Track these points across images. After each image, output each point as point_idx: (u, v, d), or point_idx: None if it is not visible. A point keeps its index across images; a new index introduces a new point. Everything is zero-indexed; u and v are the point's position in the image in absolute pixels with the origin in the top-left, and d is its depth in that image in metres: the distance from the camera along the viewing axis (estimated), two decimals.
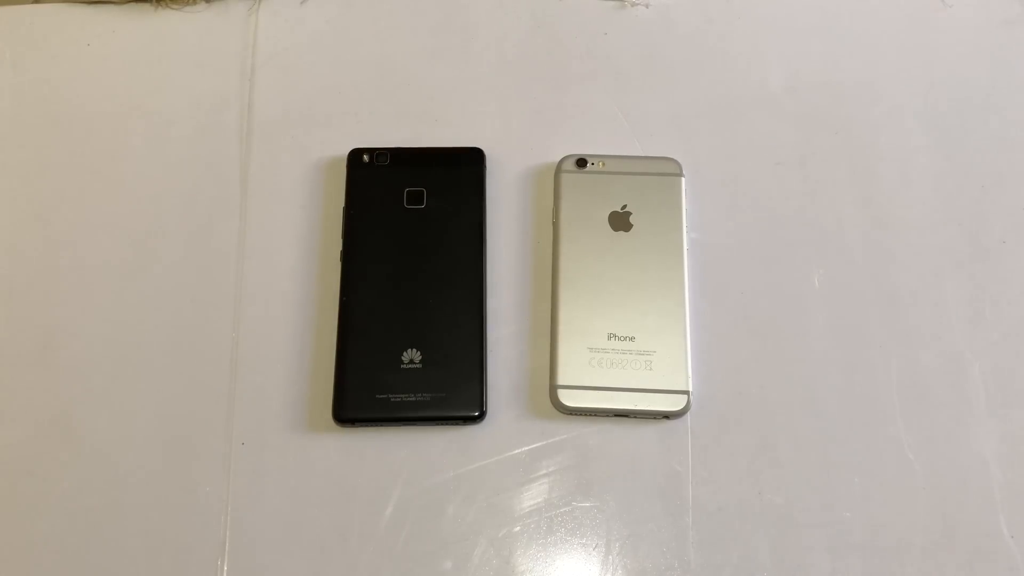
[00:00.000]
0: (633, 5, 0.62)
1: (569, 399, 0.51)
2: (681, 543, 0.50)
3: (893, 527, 0.50)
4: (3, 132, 0.59)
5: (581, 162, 0.56)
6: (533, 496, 0.51)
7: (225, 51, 0.61)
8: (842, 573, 0.50)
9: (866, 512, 0.51)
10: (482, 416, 0.51)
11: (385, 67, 0.60)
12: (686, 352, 0.52)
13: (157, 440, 0.52)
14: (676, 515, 0.51)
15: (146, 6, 0.62)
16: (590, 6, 0.62)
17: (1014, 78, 0.60)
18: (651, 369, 0.51)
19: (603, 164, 0.56)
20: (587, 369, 0.51)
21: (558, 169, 0.56)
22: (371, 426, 0.52)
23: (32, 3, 0.62)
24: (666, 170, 0.56)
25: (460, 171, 0.56)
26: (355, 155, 0.56)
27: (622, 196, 0.55)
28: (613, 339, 0.52)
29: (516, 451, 0.52)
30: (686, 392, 0.51)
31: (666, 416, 0.51)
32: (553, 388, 0.51)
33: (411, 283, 0.53)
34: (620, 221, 0.55)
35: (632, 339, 0.52)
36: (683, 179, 0.56)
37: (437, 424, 0.52)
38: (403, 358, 0.52)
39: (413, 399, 0.51)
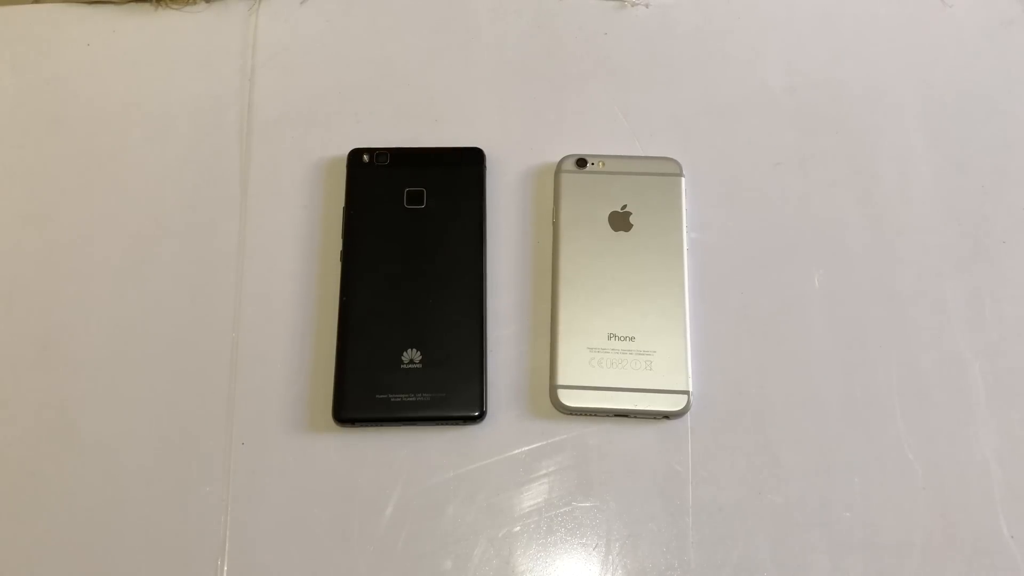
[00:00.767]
0: (633, 5, 0.62)
1: (569, 399, 0.51)
2: (681, 543, 0.50)
3: (893, 527, 0.50)
4: (3, 132, 0.59)
5: (581, 162, 0.56)
6: (533, 496, 0.51)
7: (225, 51, 0.61)
8: (842, 573, 0.50)
9: (866, 512, 0.51)
10: (482, 416, 0.51)
11: (385, 67, 0.60)
12: (686, 352, 0.52)
13: (157, 440, 0.52)
14: (676, 515, 0.51)
15: (146, 6, 0.62)
16: (590, 6, 0.62)
17: (1014, 78, 0.60)
18: (651, 369, 0.51)
19: (603, 164, 0.56)
20: (587, 369, 0.51)
21: (558, 169, 0.56)
22: (371, 426, 0.52)
23: (32, 3, 0.62)
24: (666, 170, 0.56)
25: (460, 171, 0.56)
26: (355, 155, 0.56)
27: (622, 196, 0.55)
28: (613, 339, 0.52)
29: (516, 451, 0.52)
30: (686, 392, 0.51)
31: (666, 416, 0.51)
32: (553, 388, 0.51)
33: (411, 283, 0.53)
34: (620, 221, 0.55)
35: (632, 339, 0.52)
36: (683, 179, 0.56)
37: (437, 424, 0.52)
38: (403, 358, 0.52)
39: (413, 399, 0.51)
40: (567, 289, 0.53)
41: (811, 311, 0.55)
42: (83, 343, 0.54)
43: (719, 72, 0.60)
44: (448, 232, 0.55)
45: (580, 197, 0.55)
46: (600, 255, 0.54)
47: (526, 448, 0.52)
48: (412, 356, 0.52)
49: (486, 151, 0.57)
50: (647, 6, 0.62)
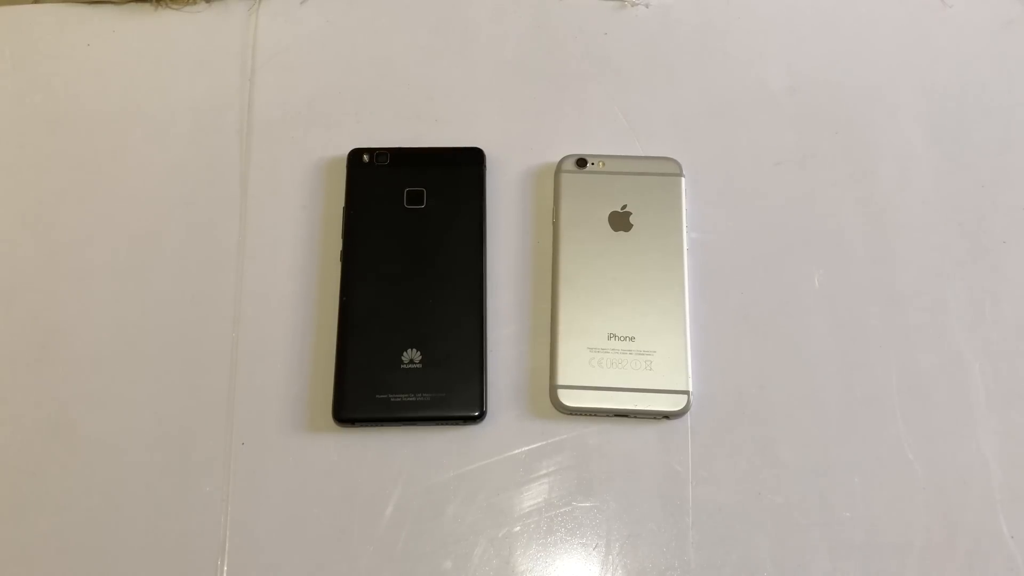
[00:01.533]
0: (633, 5, 0.62)
1: (569, 399, 0.51)
2: (681, 543, 0.50)
3: (893, 527, 0.50)
4: (3, 132, 0.59)
5: (581, 162, 0.56)
6: (533, 496, 0.51)
7: (225, 51, 0.61)
8: (842, 573, 0.50)
9: (866, 512, 0.51)
10: (482, 416, 0.51)
11: (385, 67, 0.60)
12: (686, 352, 0.52)
13: (157, 440, 0.52)
14: (676, 515, 0.51)
15: (146, 6, 0.62)
16: (590, 6, 0.62)
17: (1014, 78, 0.60)
18: (651, 369, 0.51)
19: (603, 164, 0.56)
20: (587, 369, 0.51)
21: (558, 169, 0.56)
22: (371, 426, 0.52)
23: (32, 3, 0.62)
24: (666, 170, 0.56)
25: (460, 171, 0.56)
26: (355, 155, 0.56)
27: (622, 196, 0.55)
28: (613, 339, 0.52)
29: (516, 451, 0.52)
30: (686, 392, 0.51)
31: (666, 416, 0.51)
32: (553, 388, 0.51)
33: (411, 283, 0.53)
34: (620, 221, 0.55)
35: (632, 339, 0.52)
36: (683, 179, 0.56)
37: (437, 424, 0.52)
38: (403, 358, 0.52)
39: (413, 399, 0.51)
40: (567, 289, 0.53)
41: (811, 311, 0.55)
42: (83, 343, 0.54)
43: (719, 72, 0.60)
44: (448, 232, 0.55)
45: (580, 197, 0.55)
46: (600, 255, 0.54)
47: (526, 448, 0.52)
48: (412, 356, 0.52)
49: (486, 151, 0.57)
50: (647, 6, 0.62)
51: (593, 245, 0.54)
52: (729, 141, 0.58)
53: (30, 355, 0.54)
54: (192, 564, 0.50)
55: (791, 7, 0.62)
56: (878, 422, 0.52)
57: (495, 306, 0.54)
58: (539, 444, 0.52)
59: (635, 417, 0.52)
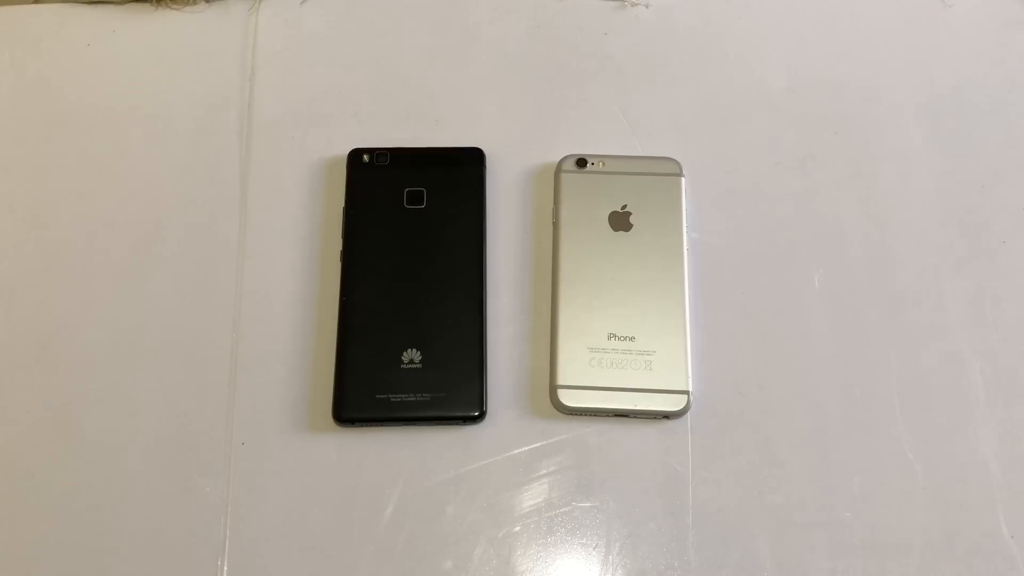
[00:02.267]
0: (633, 5, 0.62)
1: (569, 399, 0.51)
2: (681, 543, 0.50)
3: (893, 527, 0.50)
4: (3, 132, 0.59)
5: (581, 162, 0.56)
6: (533, 496, 0.51)
7: (225, 51, 0.61)
8: (842, 573, 0.50)
9: (866, 512, 0.51)
10: (482, 416, 0.51)
11: (385, 67, 0.60)
12: (686, 352, 0.52)
13: (157, 440, 0.52)
14: (676, 515, 0.51)
15: (146, 6, 0.62)
16: (590, 6, 0.62)
17: (1014, 78, 0.60)
18: (651, 369, 0.51)
19: (603, 164, 0.56)
20: (587, 369, 0.51)
21: (558, 169, 0.56)
22: (371, 426, 0.52)
23: (32, 3, 0.62)
24: (666, 170, 0.56)
25: (460, 171, 0.56)
26: (355, 155, 0.56)
27: (622, 196, 0.55)
28: (613, 339, 0.52)
29: (516, 451, 0.52)
30: (686, 392, 0.51)
31: (666, 416, 0.51)
32: (553, 388, 0.51)
33: (411, 283, 0.53)
34: (620, 221, 0.55)
35: (632, 339, 0.52)
36: (683, 179, 0.56)
37: (437, 424, 0.52)
38: (403, 358, 0.52)
39: (413, 399, 0.51)
40: (567, 289, 0.53)
41: (811, 311, 0.55)
42: (83, 343, 0.54)
43: (719, 72, 0.60)
44: (448, 232, 0.55)
45: (580, 197, 0.55)
46: (600, 255, 0.54)
47: (526, 448, 0.52)
48: (412, 356, 0.52)
49: (486, 151, 0.57)
50: (647, 6, 0.62)
51: (593, 245, 0.54)
52: (729, 141, 0.58)
53: (30, 355, 0.54)
54: (192, 564, 0.50)
55: (791, 7, 0.62)
56: (878, 422, 0.52)
57: (495, 306, 0.54)
58: (539, 444, 0.52)
59: (635, 417, 0.52)
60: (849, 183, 0.58)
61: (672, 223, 0.55)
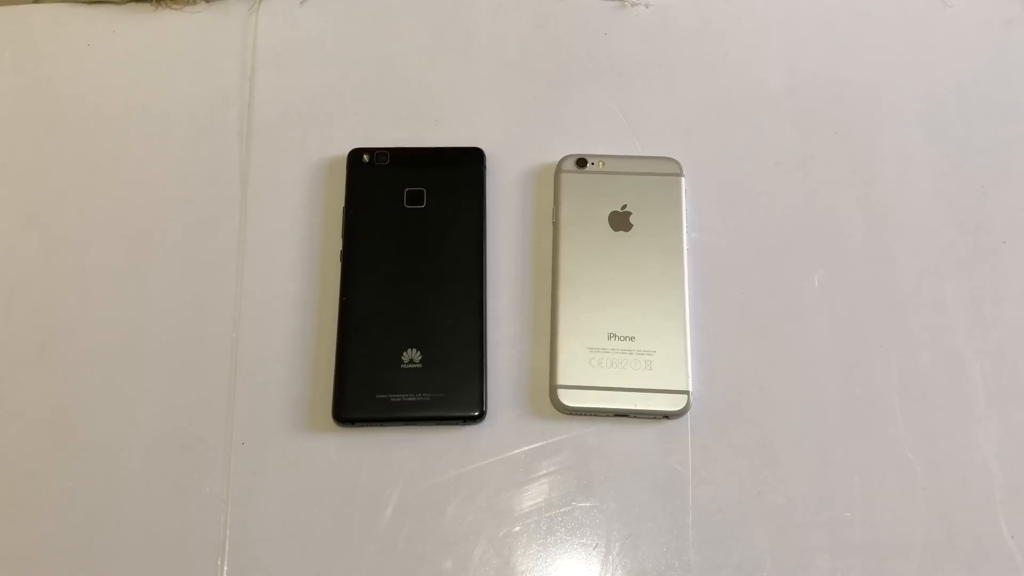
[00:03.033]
0: (633, 5, 0.62)
1: (569, 399, 0.51)
2: (681, 543, 0.50)
3: (893, 527, 0.50)
4: (3, 132, 0.59)
5: (581, 162, 0.56)
6: (533, 496, 0.51)
7: (225, 51, 0.61)
8: (842, 573, 0.50)
9: (866, 512, 0.51)
10: (482, 416, 0.51)
11: (385, 67, 0.60)
12: (686, 352, 0.52)
13: (157, 440, 0.52)
14: (676, 515, 0.51)
15: (146, 6, 0.62)
16: (590, 6, 0.62)
17: (1014, 78, 0.60)
18: (651, 369, 0.51)
19: (603, 164, 0.56)
20: (587, 369, 0.51)
21: (558, 169, 0.56)
22: (371, 426, 0.52)
23: (32, 3, 0.62)
24: (666, 170, 0.56)
25: (460, 171, 0.56)
26: (355, 155, 0.56)
27: (622, 196, 0.55)
28: (613, 339, 0.52)
29: (516, 451, 0.52)
30: (686, 392, 0.51)
31: (666, 416, 0.51)
32: (553, 388, 0.51)
33: (411, 283, 0.53)
34: (620, 221, 0.55)
35: (632, 339, 0.52)
36: (683, 179, 0.56)
37: (437, 424, 0.52)
38: (403, 358, 0.52)
39: (413, 399, 0.51)
40: (567, 289, 0.53)
41: (811, 311, 0.55)
42: (83, 343, 0.54)
43: (719, 72, 0.60)
44: (448, 232, 0.55)
45: (580, 197, 0.55)
46: (600, 255, 0.54)
47: (526, 448, 0.52)
48: (412, 356, 0.52)
49: (486, 151, 0.57)
50: (647, 6, 0.62)
51: (593, 245, 0.54)
52: (729, 141, 0.59)
53: (30, 355, 0.54)
54: (192, 564, 0.50)
55: (791, 7, 0.62)
56: (878, 422, 0.52)
57: (495, 306, 0.54)
58: (539, 444, 0.52)
59: (635, 417, 0.52)
60: (849, 183, 0.58)
61: (672, 223, 0.55)
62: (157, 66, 0.60)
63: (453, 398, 0.51)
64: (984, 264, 0.56)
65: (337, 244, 0.55)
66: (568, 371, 0.51)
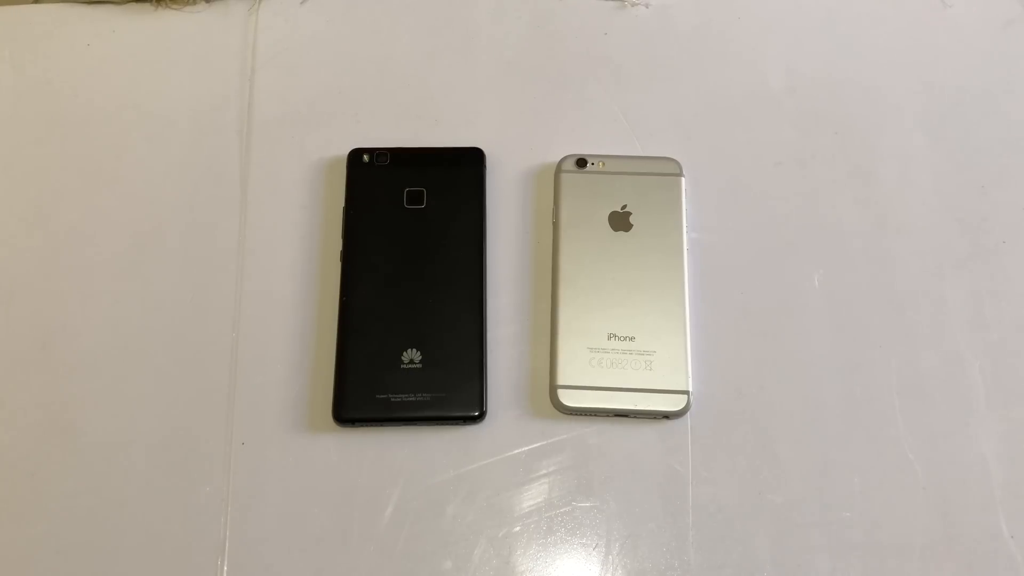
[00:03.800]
0: (633, 5, 0.62)
1: (569, 399, 0.51)
2: (681, 543, 0.50)
3: (893, 527, 0.50)
4: (3, 132, 0.59)
5: (581, 162, 0.56)
6: (533, 496, 0.51)
7: (225, 51, 0.61)
8: (842, 573, 0.50)
9: (866, 512, 0.51)
10: (482, 416, 0.51)
11: (385, 67, 0.60)
12: (686, 352, 0.52)
13: (157, 440, 0.52)
14: (676, 515, 0.51)
15: (146, 6, 0.62)
16: (590, 6, 0.62)
17: (1014, 78, 0.60)
18: (651, 369, 0.51)
19: (603, 164, 0.56)
20: (587, 369, 0.51)
21: (558, 169, 0.56)
22: (371, 426, 0.52)
23: (32, 3, 0.62)
24: (666, 170, 0.56)
25: (460, 171, 0.56)
26: (355, 155, 0.56)
27: (622, 196, 0.55)
28: (613, 339, 0.52)
29: (516, 451, 0.52)
30: (686, 392, 0.51)
31: (666, 416, 0.51)
32: (553, 388, 0.51)
33: (411, 283, 0.53)
34: (620, 221, 0.55)
35: (632, 339, 0.52)
36: (683, 179, 0.56)
37: (437, 424, 0.52)
38: (403, 358, 0.52)
39: (413, 399, 0.51)
40: (567, 289, 0.53)
41: (811, 311, 0.55)
42: (83, 343, 0.54)
43: (719, 72, 0.60)
44: (448, 232, 0.55)
45: (580, 197, 0.55)
46: (600, 255, 0.54)
47: (526, 448, 0.52)
48: (412, 356, 0.52)
49: (486, 151, 0.57)
50: (647, 6, 0.62)
51: (593, 245, 0.54)
52: (729, 141, 0.58)
53: (30, 355, 0.54)
54: (192, 564, 0.50)
55: (791, 7, 0.62)
56: (878, 422, 0.52)
57: (495, 306, 0.54)
58: (539, 444, 0.52)
59: (635, 417, 0.52)
60: (849, 183, 0.58)
61: (672, 223, 0.55)
62: (157, 66, 0.60)
63: (453, 398, 0.51)
64: (984, 264, 0.56)
65: (337, 244, 0.55)
66: (568, 371, 0.51)
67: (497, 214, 0.56)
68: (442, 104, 0.59)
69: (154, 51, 0.61)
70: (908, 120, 0.59)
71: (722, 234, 0.56)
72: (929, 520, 0.51)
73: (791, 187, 0.57)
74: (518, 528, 0.50)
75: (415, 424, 0.51)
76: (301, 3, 0.62)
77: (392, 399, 0.51)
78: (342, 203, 0.56)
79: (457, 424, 0.52)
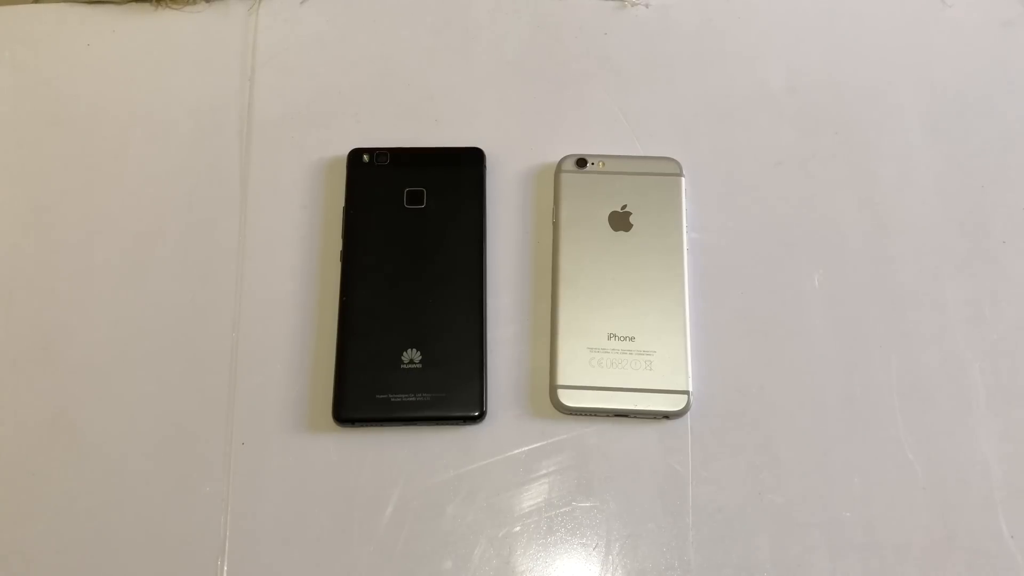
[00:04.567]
0: (633, 5, 0.62)
1: (569, 399, 0.51)
2: (681, 543, 0.50)
3: (893, 527, 0.50)
4: (3, 132, 0.59)
5: (581, 162, 0.56)
6: (533, 496, 0.51)
7: (225, 51, 0.61)
8: (842, 573, 0.50)
9: (866, 512, 0.51)
10: (482, 416, 0.51)
11: (385, 67, 0.60)
12: (686, 352, 0.52)
13: (157, 440, 0.52)
14: (676, 515, 0.51)
15: (146, 6, 0.62)
16: (590, 6, 0.62)
17: (1014, 78, 0.60)
18: (651, 369, 0.51)
19: (603, 164, 0.56)
20: (587, 369, 0.51)
21: (558, 169, 0.56)
22: (371, 426, 0.52)
23: (32, 3, 0.62)
24: (666, 170, 0.56)
25: (460, 171, 0.56)
26: (355, 155, 0.56)
27: (622, 196, 0.55)
28: (613, 339, 0.52)
29: (516, 451, 0.52)
30: (686, 392, 0.51)
31: (666, 416, 0.51)
32: (553, 388, 0.51)
33: (411, 283, 0.53)
34: (620, 221, 0.55)
35: (632, 339, 0.52)
36: (683, 179, 0.56)
37: (437, 424, 0.52)
38: (403, 358, 0.52)
39: (413, 399, 0.51)
40: (567, 289, 0.53)
41: (811, 311, 0.55)
42: (83, 343, 0.54)
43: (719, 72, 0.60)
44: (448, 232, 0.55)
45: (580, 197, 0.55)
46: (600, 255, 0.54)
47: (526, 448, 0.52)
48: (412, 356, 0.52)
49: (486, 151, 0.57)
50: (647, 6, 0.62)
51: (593, 245, 0.54)
52: (729, 141, 0.59)
53: (30, 355, 0.54)
54: (192, 564, 0.50)
55: (791, 7, 0.62)
56: (878, 422, 0.52)
57: (495, 306, 0.54)
58: (539, 444, 0.52)
59: (635, 417, 0.52)
60: (849, 183, 0.58)
61: (672, 223, 0.55)
62: (157, 66, 0.60)
63: (453, 398, 0.51)
64: (984, 264, 0.56)
65: (337, 244, 0.55)
66: (568, 371, 0.51)
67: (497, 214, 0.56)
68: (442, 104, 0.59)
69: (154, 51, 0.61)
70: (908, 120, 0.59)
71: (722, 234, 0.56)
72: (929, 520, 0.51)
73: (791, 187, 0.57)
74: (518, 528, 0.50)
75: (415, 424, 0.51)
76: (301, 3, 0.62)
77: (392, 399, 0.51)
78: (342, 203, 0.56)
79: (457, 424, 0.52)
